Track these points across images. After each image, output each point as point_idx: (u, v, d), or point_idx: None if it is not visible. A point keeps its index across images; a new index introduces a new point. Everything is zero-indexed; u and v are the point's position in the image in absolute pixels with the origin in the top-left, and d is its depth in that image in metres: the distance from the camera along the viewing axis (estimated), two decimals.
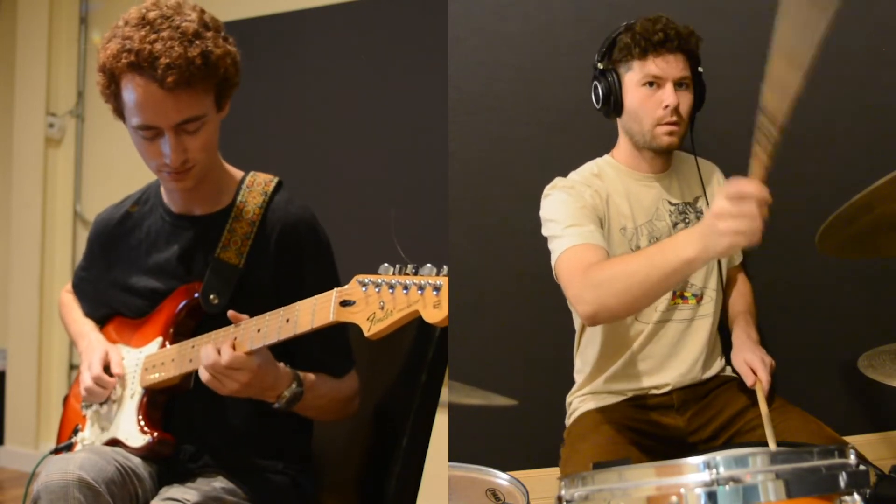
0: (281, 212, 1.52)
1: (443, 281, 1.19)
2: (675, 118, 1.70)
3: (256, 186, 1.54)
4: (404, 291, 1.22)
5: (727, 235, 1.25)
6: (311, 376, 1.46)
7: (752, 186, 1.23)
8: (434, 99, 2.42)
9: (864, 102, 2.18)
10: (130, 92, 1.38)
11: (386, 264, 1.26)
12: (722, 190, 1.28)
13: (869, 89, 2.18)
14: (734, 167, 1.98)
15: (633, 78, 1.72)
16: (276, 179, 1.57)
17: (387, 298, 1.24)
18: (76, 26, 3.68)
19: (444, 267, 1.22)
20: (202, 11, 1.43)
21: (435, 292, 1.19)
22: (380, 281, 1.25)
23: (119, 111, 1.44)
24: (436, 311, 1.19)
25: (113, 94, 1.42)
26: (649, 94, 1.70)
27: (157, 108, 1.37)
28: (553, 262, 1.65)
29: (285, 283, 1.46)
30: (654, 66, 1.69)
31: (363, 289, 1.27)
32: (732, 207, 1.24)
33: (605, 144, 1.86)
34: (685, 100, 1.71)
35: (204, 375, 1.38)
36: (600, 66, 1.77)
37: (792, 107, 1.16)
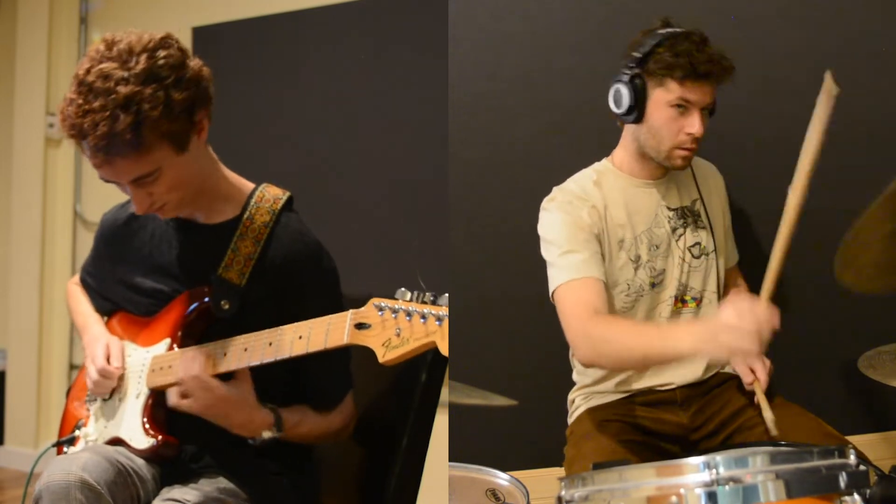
0: (286, 238, 1.50)
1: None
2: (694, 145, 1.68)
3: (265, 203, 1.52)
4: (422, 320, 1.21)
5: (724, 349, 1.34)
6: (295, 418, 1.47)
7: (762, 312, 1.30)
8: (434, 99, 2.42)
9: (863, 105, 2.18)
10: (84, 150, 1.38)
11: (403, 289, 1.25)
12: (735, 302, 1.33)
13: (868, 91, 2.18)
14: (731, 167, 1.99)
15: (664, 96, 1.66)
16: (285, 196, 1.55)
17: (403, 325, 1.23)
18: (76, 26, 3.67)
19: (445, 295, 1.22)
20: (156, 49, 1.36)
21: None
22: (397, 307, 1.24)
23: None
24: None
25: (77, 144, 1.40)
26: (675, 115, 1.66)
27: (108, 171, 1.37)
28: (550, 292, 1.66)
29: (288, 312, 1.43)
30: (690, 92, 1.64)
31: (380, 313, 1.26)
32: (739, 324, 1.29)
33: (604, 145, 1.85)
34: (705, 127, 1.68)
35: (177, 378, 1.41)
36: (630, 70, 1.68)
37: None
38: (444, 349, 1.19)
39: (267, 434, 1.42)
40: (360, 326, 1.28)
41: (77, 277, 1.77)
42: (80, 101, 1.32)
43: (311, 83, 2.91)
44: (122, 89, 1.31)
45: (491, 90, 2.19)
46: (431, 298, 1.23)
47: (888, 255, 1.32)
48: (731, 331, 1.30)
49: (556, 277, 1.65)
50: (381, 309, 1.26)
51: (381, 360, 1.24)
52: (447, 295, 1.22)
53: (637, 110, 1.68)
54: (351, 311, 1.30)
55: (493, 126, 2.21)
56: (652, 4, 1.90)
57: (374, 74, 2.79)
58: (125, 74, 1.32)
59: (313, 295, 1.47)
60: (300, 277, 1.48)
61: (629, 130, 1.77)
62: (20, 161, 3.75)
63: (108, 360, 1.55)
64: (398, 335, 1.23)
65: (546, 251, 1.70)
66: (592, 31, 2.15)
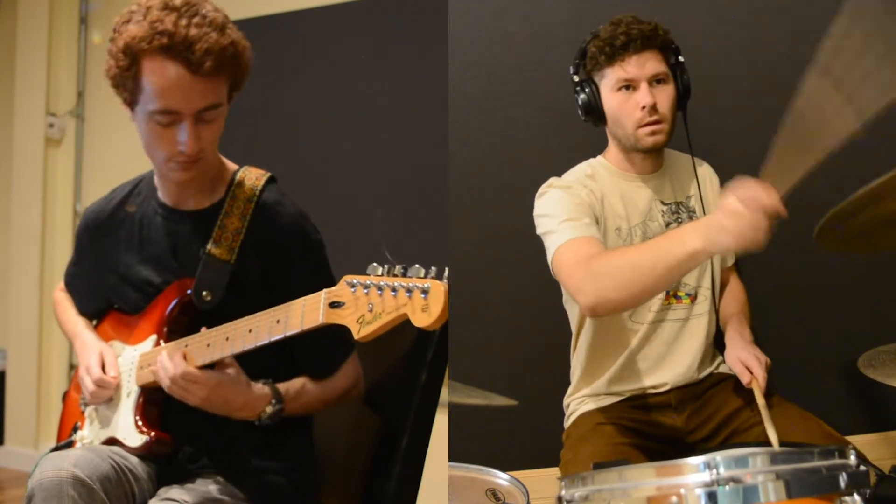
0: (270, 210, 1.51)
1: (431, 284, 1.17)
2: (654, 117, 1.69)
3: (248, 181, 1.54)
4: (392, 294, 1.20)
5: (733, 237, 1.26)
6: (294, 387, 1.48)
7: (770, 198, 1.24)
8: (434, 99, 2.42)
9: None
10: (156, 75, 1.36)
11: (374, 264, 1.25)
12: (735, 188, 1.28)
13: None
14: (732, 166, 1.99)
15: (607, 84, 1.73)
16: (267, 174, 1.56)
17: (375, 301, 1.22)
18: (76, 26, 3.68)
19: (446, 269, 1.20)
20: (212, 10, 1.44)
21: (423, 295, 1.17)
22: (368, 282, 1.24)
23: (133, 97, 1.41)
24: (424, 314, 1.17)
25: (132, 76, 1.38)
26: (626, 97, 1.70)
27: (185, 93, 1.37)
28: (550, 258, 1.64)
29: (274, 283, 1.46)
30: (622, 70, 1.69)
31: (352, 290, 1.26)
32: (745, 212, 1.24)
33: (604, 144, 1.86)
34: (664, 96, 1.71)
35: (164, 383, 1.41)
36: (576, 78, 1.79)
37: (839, 146, 1.17)
38: (417, 321, 1.18)
39: (269, 409, 1.43)
40: (334, 305, 1.28)
41: (61, 285, 1.77)
42: (175, 18, 1.35)
43: (311, 83, 2.91)
44: (216, 15, 1.39)
45: (491, 90, 2.19)
46: (402, 271, 1.22)
47: (864, 228, 1.35)
48: (735, 217, 1.25)
49: (556, 241, 1.62)
50: (353, 286, 1.26)
51: (356, 336, 1.24)
52: (417, 266, 1.21)
53: (596, 110, 1.75)
54: (325, 290, 1.30)
55: (492, 126, 2.21)
56: (652, 5, 1.90)
57: (375, 74, 2.79)
58: (209, 8, 1.40)
59: (301, 264, 1.48)
60: (288, 247, 1.49)
61: (607, 131, 1.81)
62: (20, 161, 3.75)
63: (103, 369, 1.55)
64: (371, 311, 1.22)
65: (543, 225, 1.68)
66: (592, 30, 2.15)
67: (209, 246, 1.48)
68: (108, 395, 1.55)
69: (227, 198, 1.52)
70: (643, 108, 1.68)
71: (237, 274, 1.48)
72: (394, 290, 1.20)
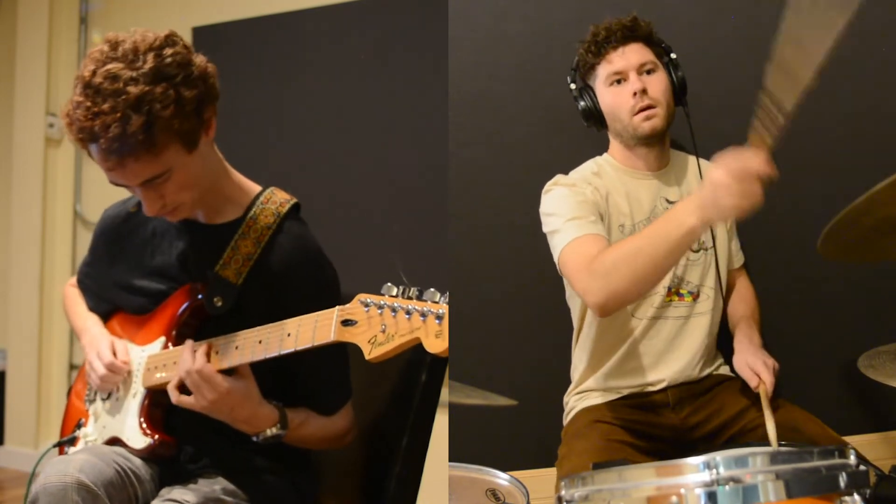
0: (288, 244, 1.48)
1: (444, 310, 1.17)
2: (646, 102, 1.71)
3: (270, 205, 1.51)
4: (407, 316, 1.20)
5: (729, 209, 1.29)
6: (299, 417, 1.46)
7: (757, 164, 1.25)
8: (434, 99, 2.42)
9: (864, 104, 2.18)
10: (92, 154, 1.36)
11: (389, 284, 1.24)
12: (721, 160, 1.29)
13: (869, 91, 2.18)
14: None
15: (599, 83, 1.77)
16: (292, 201, 1.53)
17: (389, 322, 1.21)
18: (76, 26, 3.68)
19: (446, 294, 1.20)
20: (162, 48, 1.34)
21: (437, 321, 1.17)
22: (382, 303, 1.23)
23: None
24: (437, 340, 1.16)
25: (84, 148, 1.37)
26: (618, 90, 1.74)
27: (115, 175, 1.36)
28: (556, 257, 1.65)
29: (278, 313, 1.41)
30: (609, 64, 1.74)
31: (366, 309, 1.25)
32: (735, 183, 1.26)
33: (604, 145, 1.86)
34: (654, 83, 1.73)
35: (178, 374, 1.40)
36: (573, 87, 1.82)
37: (800, 98, 1.16)
38: (430, 346, 1.17)
39: (271, 431, 1.41)
40: (346, 323, 1.27)
41: (73, 280, 1.77)
42: (89, 104, 1.29)
43: (311, 83, 2.91)
44: (133, 89, 1.28)
45: (491, 90, 2.19)
46: (417, 293, 1.21)
47: (866, 236, 1.35)
48: (727, 190, 1.27)
49: (561, 241, 1.63)
50: (366, 305, 1.25)
51: (367, 357, 1.23)
52: (432, 289, 1.20)
53: (596, 115, 1.79)
54: (338, 307, 1.29)
55: (492, 126, 2.21)
56: (652, 5, 1.90)
57: (375, 74, 2.79)
58: (133, 74, 1.30)
59: (309, 306, 1.41)
60: (297, 287, 1.46)
61: (609, 134, 1.83)
62: (20, 161, 3.75)
63: (114, 355, 1.55)
64: (383, 332, 1.22)
65: (549, 224, 1.69)
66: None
67: (217, 267, 1.47)
68: (117, 381, 1.54)
69: (247, 217, 1.49)
70: (634, 94, 1.71)
71: (241, 297, 1.46)
72: (408, 312, 1.19)
